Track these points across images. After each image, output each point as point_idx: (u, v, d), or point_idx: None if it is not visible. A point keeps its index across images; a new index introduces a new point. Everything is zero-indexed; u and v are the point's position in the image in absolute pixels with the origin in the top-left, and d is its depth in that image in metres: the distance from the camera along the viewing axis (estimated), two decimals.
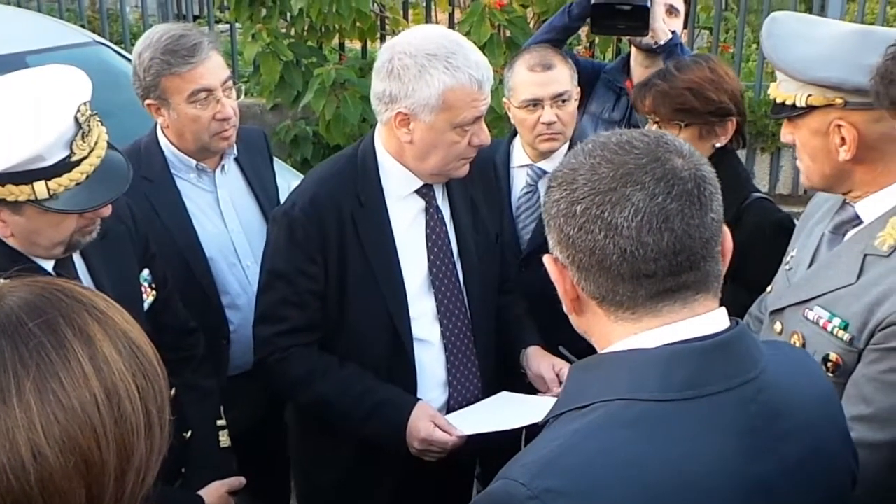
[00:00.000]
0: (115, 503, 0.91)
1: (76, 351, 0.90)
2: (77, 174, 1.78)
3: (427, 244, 2.24)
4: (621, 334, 1.18)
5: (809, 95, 1.72)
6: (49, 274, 1.91)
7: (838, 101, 1.69)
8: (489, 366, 2.35)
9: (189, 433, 2.21)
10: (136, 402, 0.92)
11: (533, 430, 1.34)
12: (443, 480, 2.30)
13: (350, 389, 2.18)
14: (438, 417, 2.14)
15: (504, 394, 2.29)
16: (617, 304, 1.17)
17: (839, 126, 1.71)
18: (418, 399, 2.19)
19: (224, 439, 2.31)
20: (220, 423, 2.32)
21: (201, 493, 2.13)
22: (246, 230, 2.63)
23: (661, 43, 3.15)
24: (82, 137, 1.78)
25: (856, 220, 1.81)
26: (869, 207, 1.77)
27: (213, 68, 2.43)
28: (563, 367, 2.23)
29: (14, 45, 3.73)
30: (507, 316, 2.45)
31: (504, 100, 2.86)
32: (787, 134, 1.86)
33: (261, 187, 2.70)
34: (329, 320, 2.21)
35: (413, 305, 2.22)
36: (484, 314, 2.32)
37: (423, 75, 2.02)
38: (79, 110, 1.77)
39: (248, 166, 2.70)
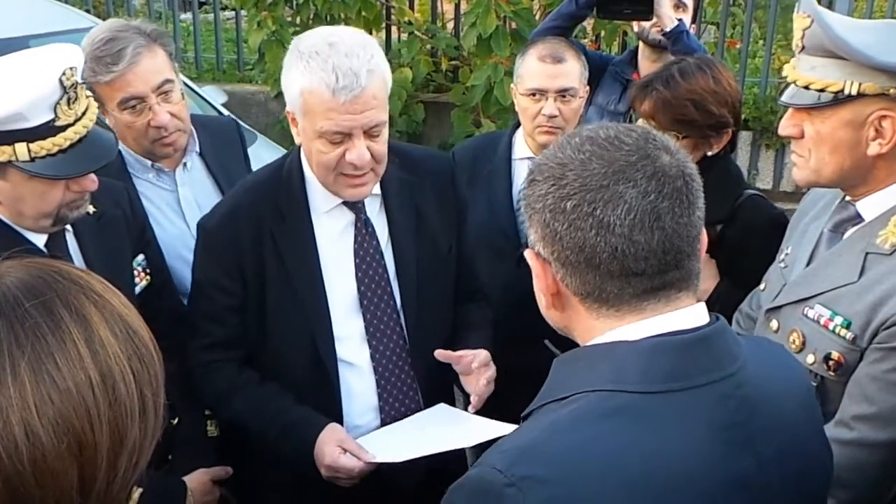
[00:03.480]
0: (107, 485, 0.90)
1: (72, 333, 0.90)
2: (61, 139, 1.76)
3: (355, 260, 2.10)
4: (603, 329, 1.18)
5: (861, 83, 1.65)
6: (41, 250, 1.91)
7: (893, 90, 1.63)
8: (432, 387, 2.17)
9: (176, 420, 2.20)
10: (130, 385, 0.92)
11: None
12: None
13: (264, 409, 2.08)
14: (347, 441, 2.00)
15: (441, 407, 2.16)
16: (601, 301, 1.16)
17: (882, 118, 1.66)
18: (328, 422, 2.04)
19: (212, 429, 2.29)
20: (207, 412, 2.30)
21: (185, 479, 2.13)
22: None
23: (668, 30, 3.16)
24: (67, 103, 1.76)
25: (856, 218, 1.79)
26: (870, 206, 1.75)
27: (142, 74, 2.27)
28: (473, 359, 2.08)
29: (18, 28, 3.72)
30: (457, 326, 2.26)
31: (512, 85, 2.86)
32: (791, 126, 1.79)
33: (228, 183, 2.52)
34: (251, 337, 2.12)
35: (339, 325, 2.08)
36: (425, 334, 2.14)
37: (289, 72, 1.92)
38: (64, 73, 1.75)
39: (215, 161, 2.58)
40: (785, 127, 1.81)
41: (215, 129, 2.67)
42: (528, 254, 1.22)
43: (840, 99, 1.67)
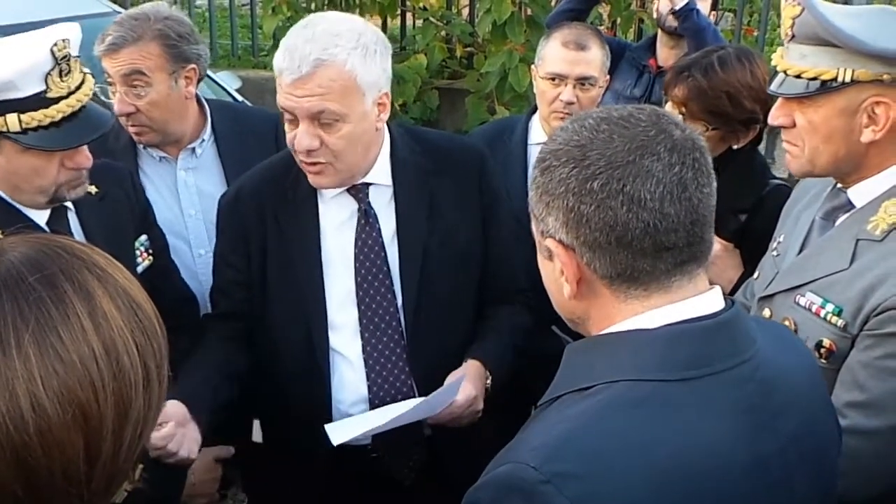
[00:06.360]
0: (112, 455, 0.92)
1: (75, 306, 0.91)
2: (53, 111, 1.77)
3: (355, 251, 2.06)
4: (626, 314, 1.16)
5: (854, 70, 1.64)
6: (42, 229, 1.93)
7: (886, 76, 1.62)
8: (430, 387, 2.02)
9: None
10: (134, 357, 0.93)
11: None
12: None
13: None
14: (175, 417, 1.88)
15: (415, 399, 2.05)
16: (631, 281, 1.14)
17: (875, 104, 1.64)
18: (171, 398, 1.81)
19: None
20: None
21: None
22: (207, 217, 2.48)
23: (678, 7, 3.16)
24: (59, 75, 1.77)
25: (848, 205, 1.78)
26: (861, 192, 1.74)
27: (112, 62, 2.34)
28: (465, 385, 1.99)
29: (35, 13, 3.74)
30: (477, 330, 2.19)
31: (532, 67, 2.85)
32: (782, 116, 1.76)
33: (237, 174, 2.41)
34: (252, 315, 2.13)
35: (334, 315, 2.06)
36: (426, 331, 2.07)
37: None
38: (55, 45, 1.76)
39: (229, 151, 2.57)
40: (776, 117, 1.79)
41: (247, 120, 2.67)
42: (550, 243, 1.18)
43: (832, 87, 1.66)
